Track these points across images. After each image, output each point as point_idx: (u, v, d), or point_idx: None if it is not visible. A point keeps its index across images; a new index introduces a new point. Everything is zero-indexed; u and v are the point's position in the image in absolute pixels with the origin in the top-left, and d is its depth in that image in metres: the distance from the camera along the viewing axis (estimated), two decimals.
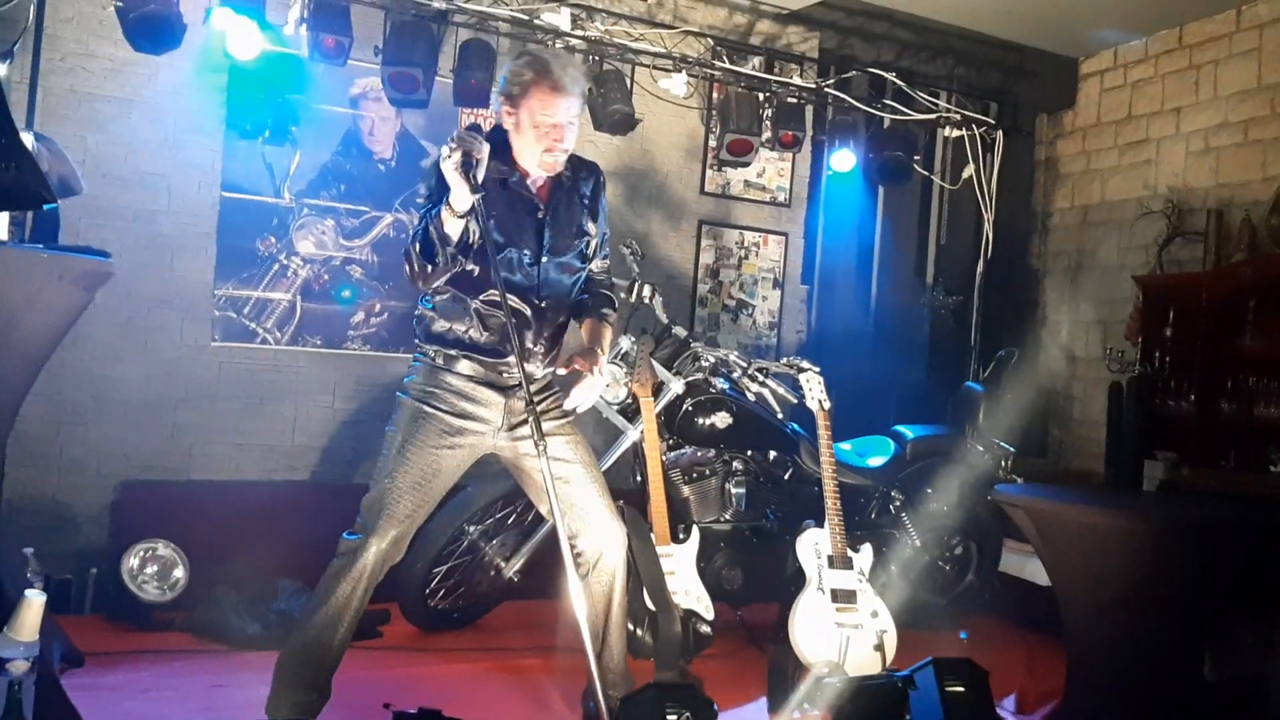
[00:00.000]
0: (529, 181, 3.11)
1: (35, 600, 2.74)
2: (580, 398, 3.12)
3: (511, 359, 3.01)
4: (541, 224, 3.11)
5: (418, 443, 3.00)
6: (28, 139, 2.80)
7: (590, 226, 3.24)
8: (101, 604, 4.31)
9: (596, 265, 3.32)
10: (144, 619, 4.16)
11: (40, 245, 3.09)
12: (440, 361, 3.06)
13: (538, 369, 3.16)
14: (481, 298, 3.04)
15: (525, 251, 3.08)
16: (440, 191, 2.86)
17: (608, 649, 3.22)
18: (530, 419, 2.82)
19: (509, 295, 2.95)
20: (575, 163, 3.21)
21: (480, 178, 2.78)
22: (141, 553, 4.24)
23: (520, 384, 2.94)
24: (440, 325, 3.08)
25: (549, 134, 3.01)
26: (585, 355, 3.11)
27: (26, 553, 3.80)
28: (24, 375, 3.16)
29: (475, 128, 2.87)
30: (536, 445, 2.80)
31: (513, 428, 3.12)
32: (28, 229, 3.28)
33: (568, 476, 3.11)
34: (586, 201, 3.23)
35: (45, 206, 2.95)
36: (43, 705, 2.80)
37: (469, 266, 2.96)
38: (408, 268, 2.93)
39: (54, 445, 4.49)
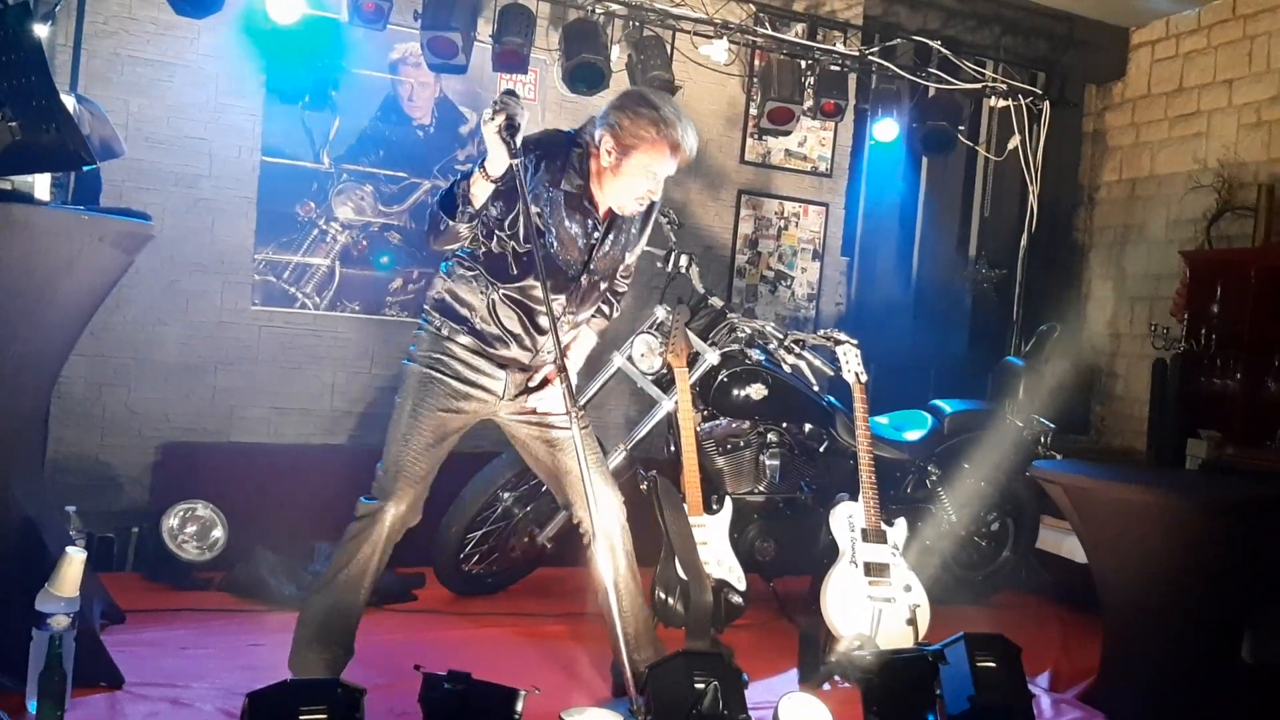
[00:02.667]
0: (595, 202, 3.11)
1: (76, 557, 2.79)
2: (543, 404, 3.17)
3: (506, 353, 3.10)
4: (593, 245, 3.12)
5: (428, 406, 3.07)
6: (69, 101, 2.80)
7: (634, 252, 3.27)
8: (142, 563, 4.38)
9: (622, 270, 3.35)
10: (183, 578, 4.23)
11: (81, 207, 3.12)
12: (445, 332, 3.10)
13: (539, 358, 3.18)
14: (504, 289, 3.06)
15: (571, 264, 3.10)
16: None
17: (623, 615, 3.24)
18: (563, 387, 2.87)
19: (540, 301, 3.00)
20: None
21: (519, 143, 2.78)
22: (181, 513, 4.33)
23: (512, 364, 3.12)
24: (452, 298, 3.11)
25: (648, 187, 3.03)
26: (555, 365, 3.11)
27: (69, 510, 3.88)
28: (66, 335, 3.21)
29: (513, 93, 2.86)
30: (569, 414, 2.88)
31: (514, 398, 3.18)
32: (70, 191, 3.32)
33: (565, 445, 3.16)
34: (639, 220, 3.22)
35: (85, 168, 2.97)
36: (83, 659, 2.87)
37: (511, 261, 2.98)
38: (427, 225, 2.97)
39: (97, 406, 4.56)
